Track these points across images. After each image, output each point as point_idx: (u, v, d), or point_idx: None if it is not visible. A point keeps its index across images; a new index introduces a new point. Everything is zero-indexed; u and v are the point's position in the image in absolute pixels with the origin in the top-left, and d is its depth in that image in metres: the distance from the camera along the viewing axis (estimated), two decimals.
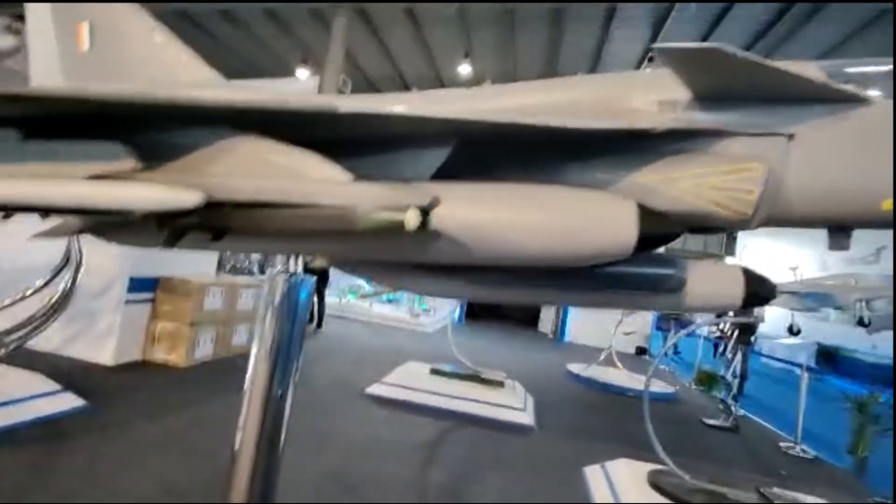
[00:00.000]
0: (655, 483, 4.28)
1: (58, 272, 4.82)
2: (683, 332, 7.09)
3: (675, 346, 13.72)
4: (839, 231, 1.47)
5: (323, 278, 9.95)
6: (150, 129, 1.24)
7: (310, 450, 4.22)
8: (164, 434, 4.24)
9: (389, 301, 15.91)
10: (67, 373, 5.03)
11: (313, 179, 1.27)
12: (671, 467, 4.13)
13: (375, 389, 6.33)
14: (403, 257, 1.54)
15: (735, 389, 7.51)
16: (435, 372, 7.10)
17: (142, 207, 1.13)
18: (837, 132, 1.33)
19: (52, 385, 4.44)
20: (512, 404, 6.30)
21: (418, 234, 1.25)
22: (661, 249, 1.77)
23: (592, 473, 4.66)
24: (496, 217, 1.37)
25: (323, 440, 4.57)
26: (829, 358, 16.49)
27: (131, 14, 1.89)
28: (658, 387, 8.86)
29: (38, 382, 4.43)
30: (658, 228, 1.35)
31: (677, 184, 1.40)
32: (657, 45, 1.20)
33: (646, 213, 1.33)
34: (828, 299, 5.57)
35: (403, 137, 1.37)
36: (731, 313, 7.03)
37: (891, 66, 1.42)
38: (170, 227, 1.27)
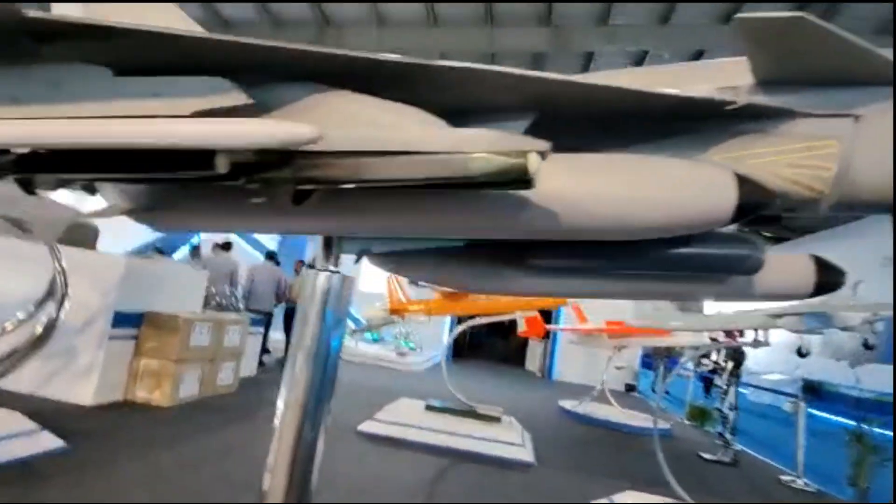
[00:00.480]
0: None
1: (41, 304, 4.61)
2: (677, 367, 7.06)
3: (664, 388, 13.71)
4: None
5: None
6: (238, 83, 1.17)
7: None
8: (149, 473, 3.98)
9: (374, 340, 15.62)
10: (43, 413, 4.73)
11: (419, 126, 1.23)
12: (688, 501, 4.01)
13: (368, 427, 6.10)
14: (491, 231, 1.48)
15: (731, 423, 7.44)
16: (430, 408, 6.90)
17: (257, 142, 1.06)
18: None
19: (29, 424, 4.16)
20: (510, 440, 6.13)
21: (521, 192, 1.21)
22: None
23: None
24: (595, 183, 1.34)
25: (319, 479, 4.34)
26: (813, 393, 16.59)
27: (166, 11, 1.86)
28: (652, 422, 8.76)
29: (13, 421, 4.15)
30: (747, 197, 1.34)
31: (752, 162, 1.40)
32: (738, 15, 1.22)
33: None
34: (831, 320, 5.63)
35: (486, 105, 1.34)
36: (721, 338, 7.06)
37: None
38: (259, 182, 1.21)
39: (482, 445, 5.88)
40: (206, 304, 8.02)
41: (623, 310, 11.82)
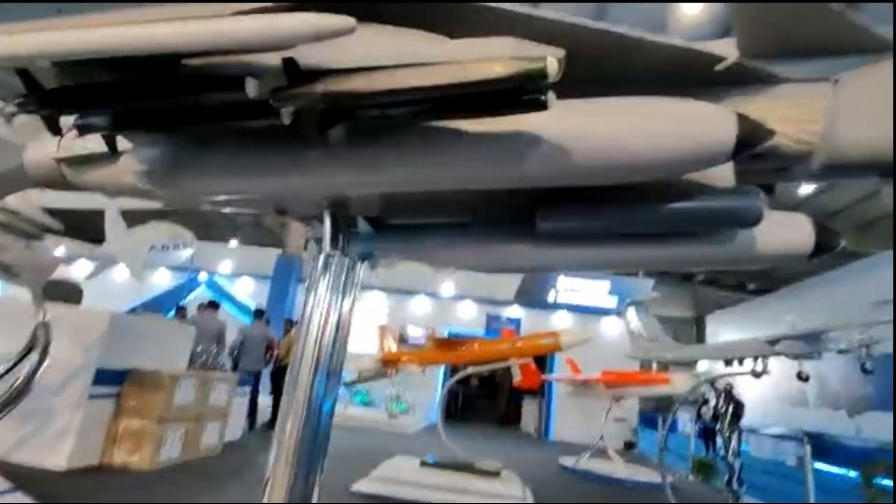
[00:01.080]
0: None
1: (21, 358, 4.43)
2: (676, 407, 6.89)
3: (666, 440, 13.28)
4: (889, 176, 1.54)
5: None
6: None
7: None
8: None
9: (364, 403, 15.12)
10: (13, 478, 4.42)
11: (442, 42, 1.27)
12: None
13: (363, 486, 5.78)
14: (508, 173, 1.48)
15: (738, 471, 7.19)
16: (425, 464, 6.59)
17: (296, 32, 1.07)
18: (875, 78, 1.45)
19: (1, 483, 3.88)
20: (511, 494, 5.83)
21: (535, 131, 1.23)
22: None
23: None
24: (604, 121, 1.39)
25: None
26: (814, 445, 16.15)
27: None
28: (654, 477, 8.45)
29: None
30: (746, 131, 1.38)
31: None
32: None
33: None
34: (827, 342, 5.57)
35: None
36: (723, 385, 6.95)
37: None
38: (290, 100, 1.21)
39: (483, 501, 5.58)
40: (192, 364, 7.76)
41: (618, 352, 11.69)
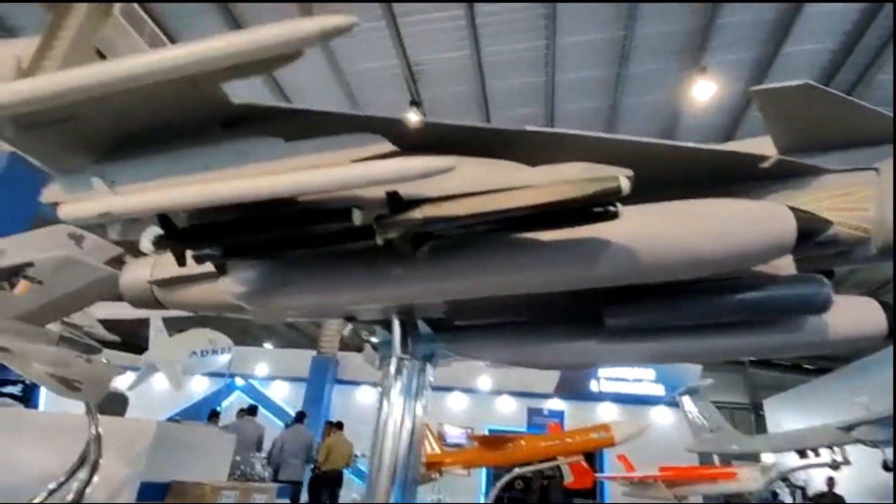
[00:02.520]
0: None
1: (72, 473, 4.44)
2: None
3: None
4: None
5: (338, 481, 9.07)
6: None
7: None
8: None
9: None
10: None
11: (521, 169, 1.41)
12: None
13: None
14: (580, 275, 1.54)
15: None
16: None
17: (408, 174, 1.22)
18: None
19: None
20: None
21: (604, 236, 1.31)
22: None
23: None
24: (671, 224, 1.47)
25: None
26: None
27: None
28: None
29: None
30: (805, 223, 1.43)
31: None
32: (753, 87, 1.45)
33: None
34: None
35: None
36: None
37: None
38: (393, 226, 1.34)
39: None
40: (231, 473, 7.57)
41: (671, 445, 10.80)
